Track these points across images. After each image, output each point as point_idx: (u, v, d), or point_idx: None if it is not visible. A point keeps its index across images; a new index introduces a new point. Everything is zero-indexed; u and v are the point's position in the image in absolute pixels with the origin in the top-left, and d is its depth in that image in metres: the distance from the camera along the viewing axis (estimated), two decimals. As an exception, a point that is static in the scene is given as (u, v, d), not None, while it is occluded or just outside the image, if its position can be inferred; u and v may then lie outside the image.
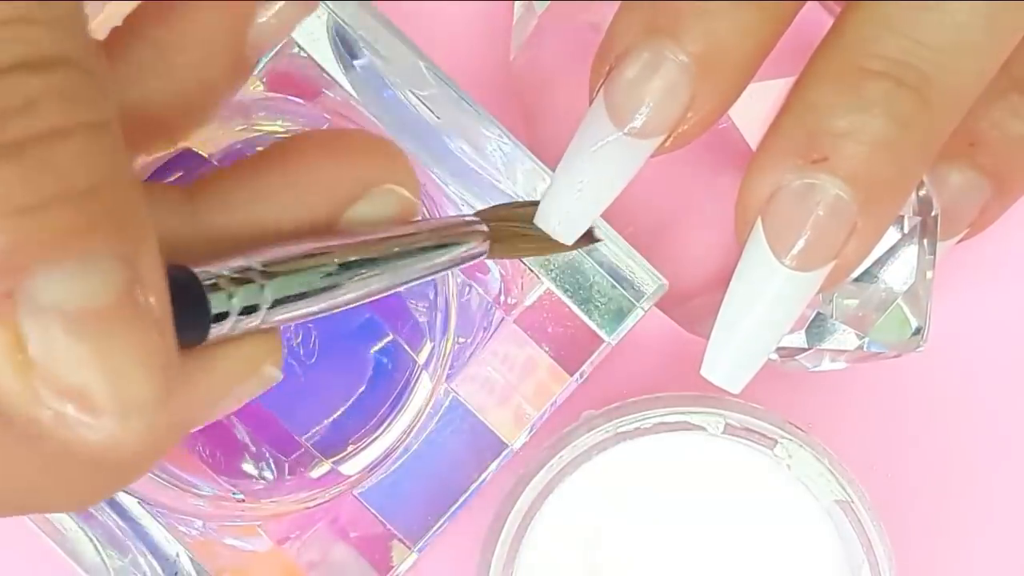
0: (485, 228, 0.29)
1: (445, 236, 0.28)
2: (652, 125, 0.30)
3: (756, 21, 0.29)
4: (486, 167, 0.36)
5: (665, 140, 0.30)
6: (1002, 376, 0.42)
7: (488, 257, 0.29)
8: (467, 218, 0.29)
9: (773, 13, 0.30)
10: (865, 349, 0.37)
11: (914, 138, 0.29)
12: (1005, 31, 0.30)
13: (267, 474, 0.36)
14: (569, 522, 0.38)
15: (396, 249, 0.26)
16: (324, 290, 0.25)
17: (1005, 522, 0.42)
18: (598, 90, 0.30)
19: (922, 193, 0.37)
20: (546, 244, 0.30)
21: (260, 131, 0.37)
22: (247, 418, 0.35)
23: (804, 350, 0.38)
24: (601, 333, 0.37)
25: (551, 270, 0.37)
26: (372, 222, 0.26)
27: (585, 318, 0.37)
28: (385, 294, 0.26)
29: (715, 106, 0.30)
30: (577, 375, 0.37)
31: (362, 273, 0.26)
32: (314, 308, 0.25)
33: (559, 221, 0.30)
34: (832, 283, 0.30)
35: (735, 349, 0.30)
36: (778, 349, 0.37)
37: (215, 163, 0.36)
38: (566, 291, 0.37)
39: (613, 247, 0.36)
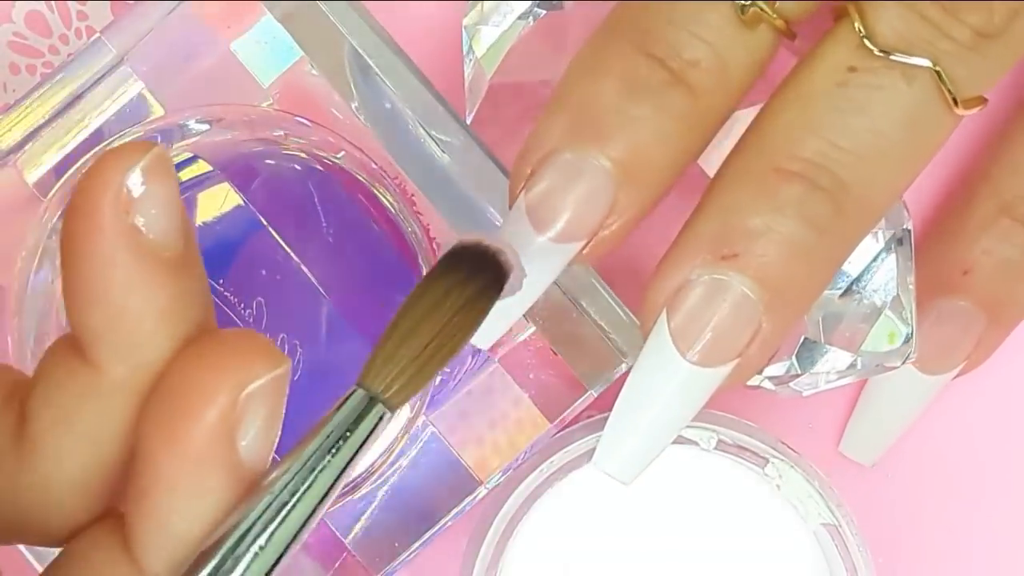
0: (362, 392, 0.27)
1: (338, 432, 0.26)
2: (571, 230, 0.30)
3: (678, 130, 0.30)
4: (487, 207, 0.37)
5: (584, 246, 0.30)
6: (999, 380, 0.42)
7: (393, 410, 0.27)
8: (346, 399, 0.27)
9: (696, 122, 0.30)
10: (859, 367, 0.37)
11: (825, 243, 0.29)
12: (923, 144, 0.30)
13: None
14: (554, 529, 0.38)
15: (310, 471, 0.26)
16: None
17: (1005, 525, 0.42)
18: (519, 193, 0.30)
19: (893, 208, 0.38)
20: (432, 361, 0.28)
21: (264, 142, 0.37)
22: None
23: (796, 376, 0.38)
24: (584, 382, 0.37)
25: (540, 316, 0.37)
26: (262, 432, 0.26)
27: (570, 366, 0.37)
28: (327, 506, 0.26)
29: (635, 212, 0.30)
30: (556, 422, 0.37)
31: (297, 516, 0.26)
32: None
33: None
34: (735, 382, 0.30)
35: (633, 444, 0.30)
36: (770, 378, 0.38)
37: (218, 172, 0.36)
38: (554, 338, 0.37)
39: (605, 299, 0.36)
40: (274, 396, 0.26)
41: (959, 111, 0.29)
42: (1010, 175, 0.39)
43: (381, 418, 0.26)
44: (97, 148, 0.36)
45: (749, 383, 0.38)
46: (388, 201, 0.37)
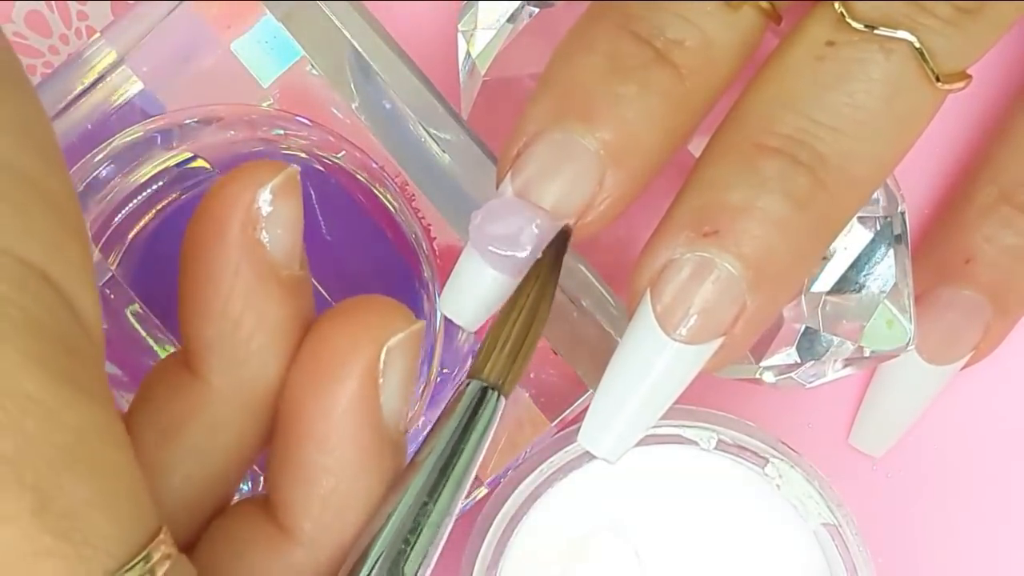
0: (481, 384, 0.28)
1: (460, 428, 0.28)
2: (558, 210, 0.30)
3: (665, 109, 0.30)
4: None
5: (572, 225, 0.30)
6: (998, 380, 0.42)
7: (507, 396, 0.29)
8: (459, 391, 0.28)
9: (683, 102, 0.30)
10: (864, 355, 0.37)
11: (808, 218, 0.29)
12: (906, 118, 0.30)
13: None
14: (555, 529, 0.38)
15: (440, 470, 0.27)
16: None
17: (1005, 525, 0.42)
18: (505, 175, 0.30)
19: (886, 191, 0.37)
20: (529, 332, 0.29)
21: (265, 142, 0.37)
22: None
23: (798, 365, 0.37)
24: (585, 381, 0.37)
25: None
26: (400, 390, 0.27)
27: (571, 366, 0.37)
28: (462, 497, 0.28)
29: (622, 193, 0.30)
30: (557, 422, 0.37)
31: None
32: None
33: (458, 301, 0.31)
34: (721, 361, 0.30)
35: (620, 423, 0.30)
36: (772, 368, 0.38)
37: (218, 172, 0.36)
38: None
39: (605, 299, 0.36)
40: (412, 352, 0.27)
41: (941, 86, 0.29)
42: (1010, 162, 0.39)
43: (497, 404, 0.28)
44: (96, 149, 0.36)
45: (752, 376, 0.38)
46: (388, 201, 0.37)
